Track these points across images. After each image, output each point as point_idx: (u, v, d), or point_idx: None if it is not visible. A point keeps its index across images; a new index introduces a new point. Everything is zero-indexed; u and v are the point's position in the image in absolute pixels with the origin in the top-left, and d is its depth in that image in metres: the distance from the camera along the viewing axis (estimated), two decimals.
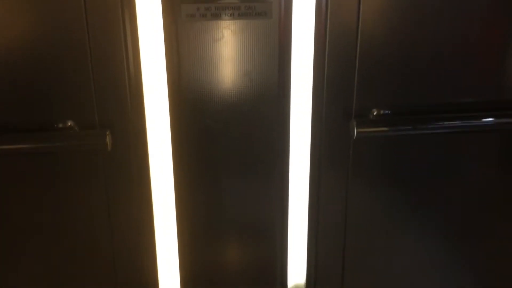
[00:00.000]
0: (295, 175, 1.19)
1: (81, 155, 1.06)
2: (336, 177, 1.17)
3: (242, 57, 1.04)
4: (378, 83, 1.10)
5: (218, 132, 1.10)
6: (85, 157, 1.06)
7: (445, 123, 1.12)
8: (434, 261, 1.30)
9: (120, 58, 1.00)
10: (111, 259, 1.18)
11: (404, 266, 1.30)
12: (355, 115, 1.11)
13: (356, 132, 1.06)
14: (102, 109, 1.03)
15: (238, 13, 1.01)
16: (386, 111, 1.12)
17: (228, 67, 1.05)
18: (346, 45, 1.06)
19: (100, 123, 1.04)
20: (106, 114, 1.03)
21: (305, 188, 1.20)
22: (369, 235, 1.25)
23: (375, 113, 1.12)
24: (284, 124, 1.13)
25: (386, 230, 1.25)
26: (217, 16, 1.00)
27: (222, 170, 1.15)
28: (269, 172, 1.16)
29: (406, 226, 1.25)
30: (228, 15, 1.01)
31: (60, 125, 1.03)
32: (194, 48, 1.02)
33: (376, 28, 1.06)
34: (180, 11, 0.99)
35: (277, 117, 1.11)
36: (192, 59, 1.03)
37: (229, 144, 1.12)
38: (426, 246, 1.28)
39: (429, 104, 1.14)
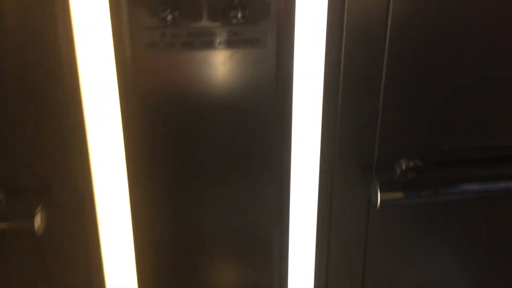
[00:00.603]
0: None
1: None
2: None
3: (225, 101, 0.76)
4: (407, 125, 0.84)
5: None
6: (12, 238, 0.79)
7: (499, 184, 0.85)
8: None
9: (56, 98, 0.72)
10: None
11: None
12: (376, 168, 0.85)
13: (380, 200, 0.79)
14: (34, 167, 0.75)
15: (219, 41, 0.72)
16: (417, 162, 0.85)
17: (206, 117, 0.76)
18: (367, 78, 0.79)
19: (32, 185, 0.76)
20: (40, 174, 0.76)
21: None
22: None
23: (403, 166, 0.85)
24: (283, 183, 0.85)
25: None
26: (189, 45, 0.71)
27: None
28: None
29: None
30: (205, 44, 0.72)
31: None
32: (157, 89, 0.74)
33: (406, 57, 0.78)
34: (138, 39, 0.70)
35: (274, 174, 0.84)
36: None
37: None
38: None
39: (472, 149, 0.87)
